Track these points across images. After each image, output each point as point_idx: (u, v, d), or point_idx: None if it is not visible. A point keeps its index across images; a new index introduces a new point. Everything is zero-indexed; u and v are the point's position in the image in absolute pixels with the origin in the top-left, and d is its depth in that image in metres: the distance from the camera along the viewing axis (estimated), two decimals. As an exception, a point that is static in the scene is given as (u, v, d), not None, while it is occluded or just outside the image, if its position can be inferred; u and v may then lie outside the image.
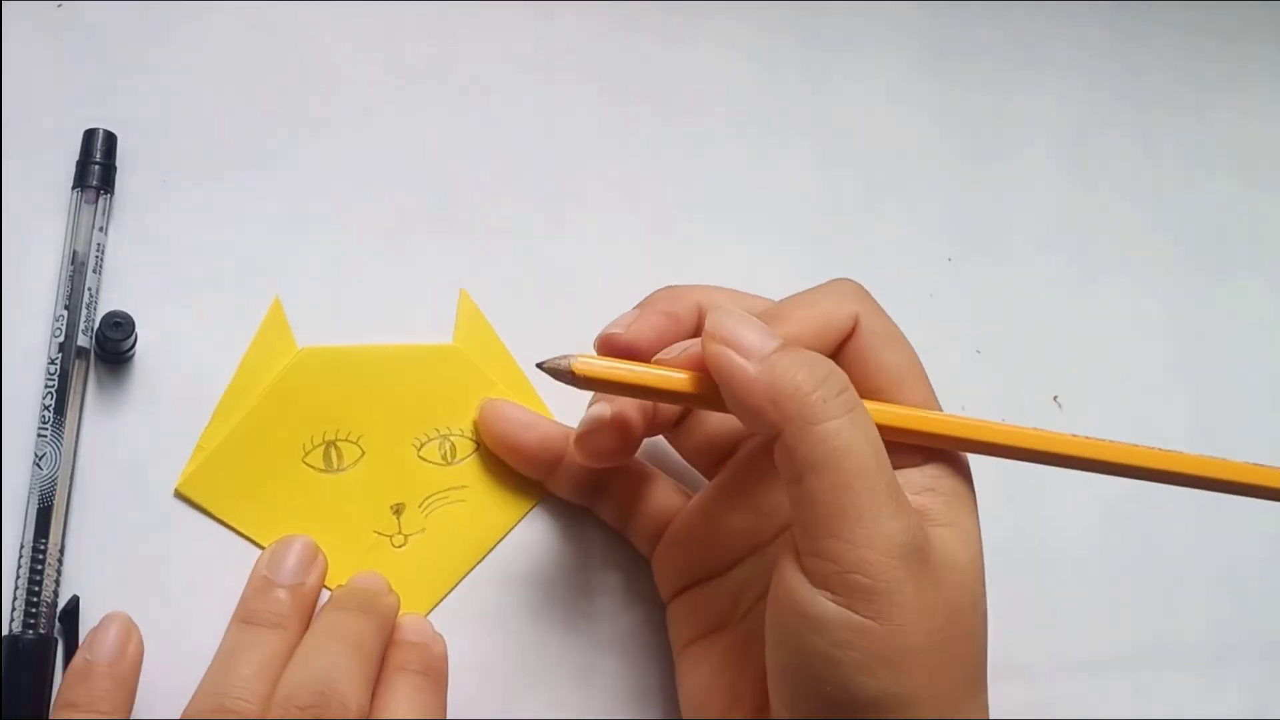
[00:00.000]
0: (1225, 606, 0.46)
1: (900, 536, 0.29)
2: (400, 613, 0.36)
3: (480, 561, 0.37)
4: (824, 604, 0.29)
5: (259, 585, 0.34)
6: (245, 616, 0.34)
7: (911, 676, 0.29)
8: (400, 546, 0.37)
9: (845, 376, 0.31)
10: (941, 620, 0.29)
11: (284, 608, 0.34)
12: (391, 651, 0.34)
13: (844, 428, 0.29)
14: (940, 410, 0.34)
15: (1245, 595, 0.47)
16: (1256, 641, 0.46)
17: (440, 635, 0.36)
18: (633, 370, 0.32)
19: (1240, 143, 0.53)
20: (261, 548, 0.35)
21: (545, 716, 0.37)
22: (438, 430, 0.37)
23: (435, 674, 0.35)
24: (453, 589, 0.37)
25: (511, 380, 0.39)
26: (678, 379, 0.32)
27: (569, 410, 0.39)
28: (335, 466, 0.36)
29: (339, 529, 0.36)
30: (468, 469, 0.38)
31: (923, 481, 0.32)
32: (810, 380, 0.30)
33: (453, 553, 0.37)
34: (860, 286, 0.34)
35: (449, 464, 0.37)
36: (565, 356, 0.32)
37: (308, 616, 0.34)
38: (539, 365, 0.32)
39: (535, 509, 0.38)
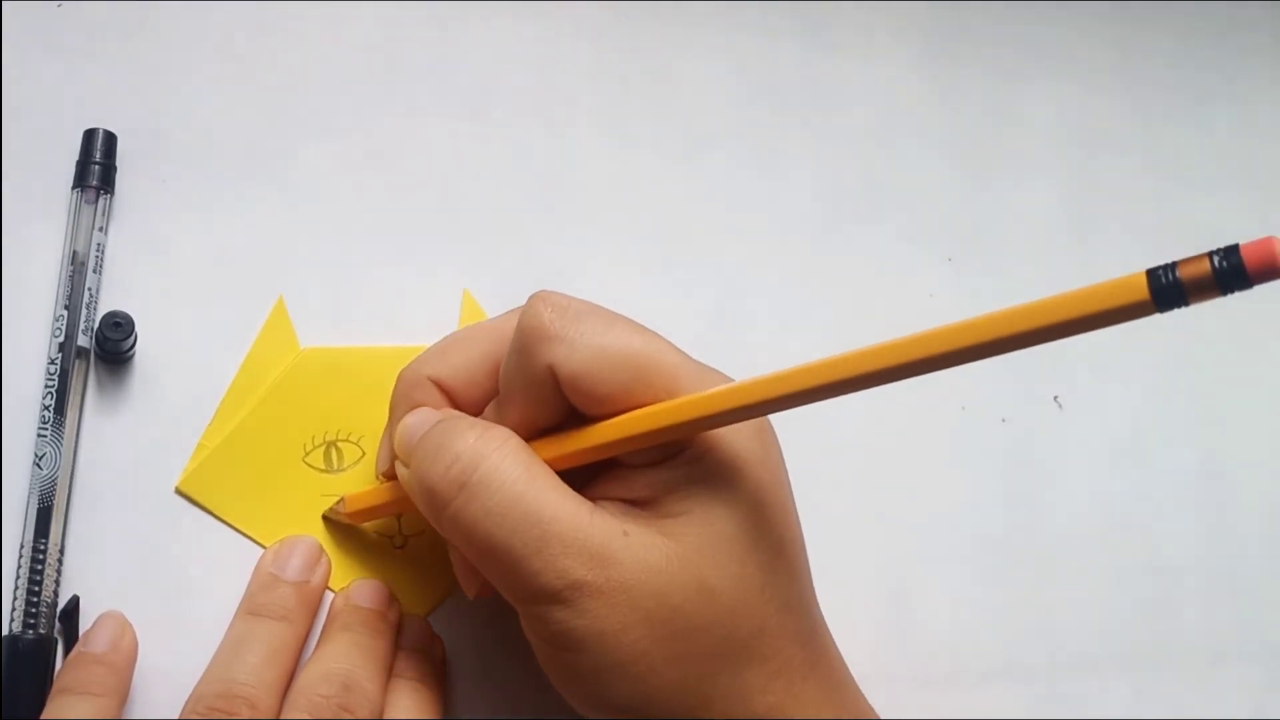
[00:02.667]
0: (1225, 606, 0.46)
1: (554, 584, 0.29)
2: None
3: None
4: (535, 641, 0.31)
5: (264, 581, 0.34)
6: (251, 609, 0.34)
7: (626, 685, 0.30)
8: (401, 547, 0.37)
9: (464, 434, 0.30)
10: (643, 630, 0.29)
11: (290, 601, 0.34)
12: (341, 609, 0.35)
13: (459, 513, 0.30)
14: (673, 372, 0.31)
15: (1245, 595, 0.47)
16: (1256, 641, 0.46)
17: (439, 637, 0.36)
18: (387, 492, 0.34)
19: (1240, 142, 0.53)
20: (262, 547, 0.35)
21: (545, 716, 0.37)
22: None
23: (433, 679, 0.35)
24: (453, 591, 0.37)
25: None
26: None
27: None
28: (336, 467, 0.36)
29: (339, 529, 0.36)
30: None
31: (644, 480, 0.31)
32: (437, 465, 0.30)
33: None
34: (543, 315, 0.31)
35: None
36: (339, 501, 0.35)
37: (313, 612, 0.35)
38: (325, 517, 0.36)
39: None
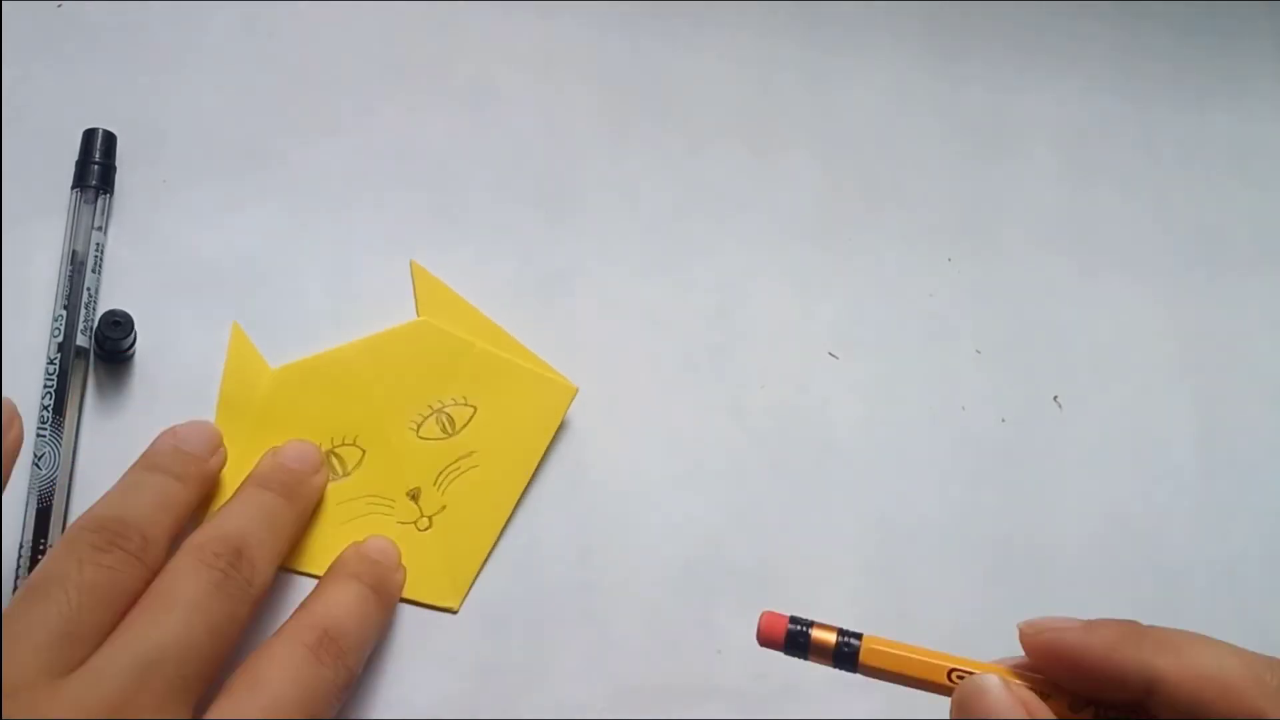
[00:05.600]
0: (1225, 606, 0.46)
1: None
2: (424, 592, 0.36)
3: (510, 519, 0.38)
4: None
5: (163, 447, 0.34)
6: (147, 465, 0.33)
7: None
8: (426, 530, 0.37)
9: None
10: None
11: (188, 467, 0.33)
12: (350, 557, 0.35)
13: None
14: None
15: (1245, 595, 0.47)
16: (1256, 641, 0.46)
17: (402, 567, 0.36)
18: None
19: (1240, 142, 0.53)
20: (293, 572, 0.35)
21: (545, 716, 0.37)
22: (430, 406, 0.37)
23: (385, 594, 0.35)
24: (490, 553, 0.37)
25: (487, 335, 0.39)
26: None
27: (566, 356, 0.39)
28: (341, 473, 0.36)
29: (362, 530, 0.36)
30: (471, 435, 0.38)
31: None
32: None
33: (480, 520, 0.37)
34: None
35: (450, 435, 0.37)
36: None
37: (207, 489, 0.34)
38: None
39: (538, 487, 0.39)
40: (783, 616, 0.30)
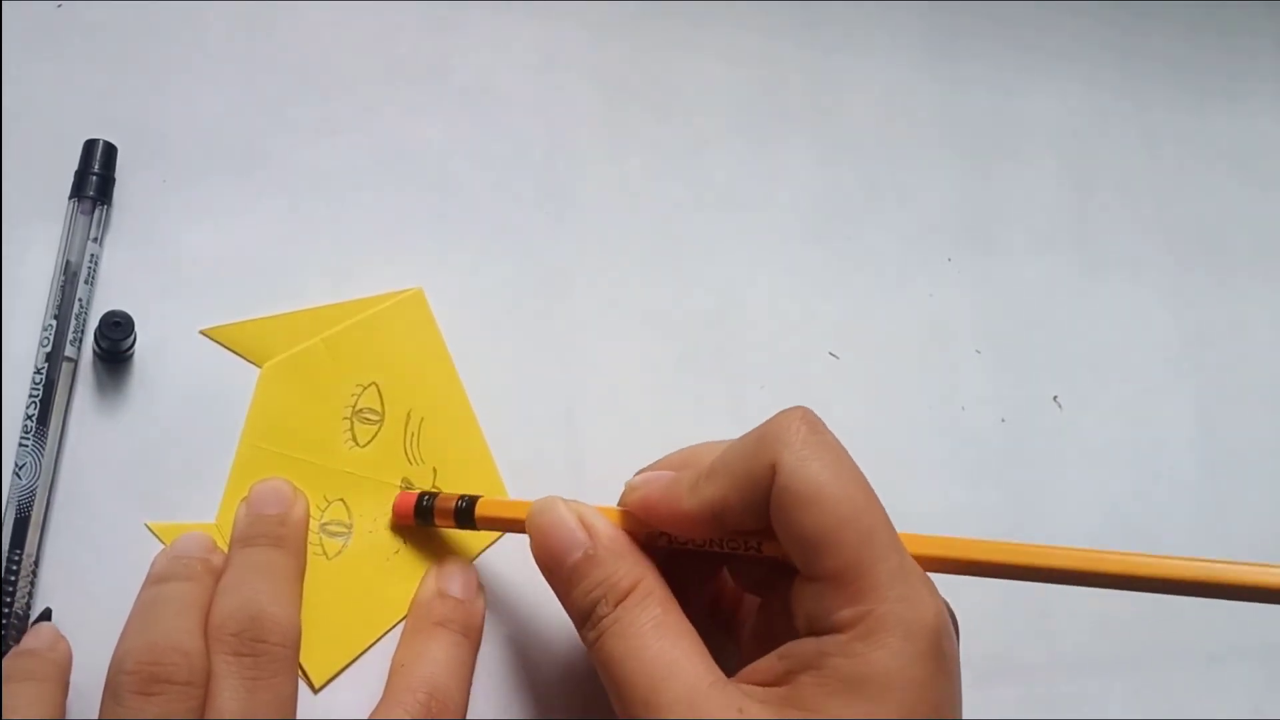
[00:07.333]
0: (1225, 606, 0.46)
1: None
2: (451, 557, 0.37)
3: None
4: None
5: (164, 560, 0.33)
6: (157, 579, 0.33)
7: None
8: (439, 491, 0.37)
9: (618, 564, 0.32)
10: None
11: (194, 568, 0.33)
12: (431, 600, 0.35)
13: (600, 651, 0.31)
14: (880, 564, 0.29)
15: (1245, 595, 0.47)
16: (1256, 641, 0.46)
17: (483, 589, 0.36)
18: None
19: (1240, 142, 0.53)
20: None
21: (546, 716, 0.37)
22: (343, 416, 0.37)
23: (474, 632, 0.36)
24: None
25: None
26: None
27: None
28: (348, 530, 0.36)
29: (409, 558, 0.37)
30: (394, 403, 0.38)
31: (781, 661, 0.30)
32: (584, 582, 0.32)
33: (467, 450, 0.38)
34: (794, 420, 0.31)
35: (381, 418, 0.37)
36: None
37: (214, 577, 0.34)
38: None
39: (537, 486, 0.38)
40: (413, 493, 0.36)
